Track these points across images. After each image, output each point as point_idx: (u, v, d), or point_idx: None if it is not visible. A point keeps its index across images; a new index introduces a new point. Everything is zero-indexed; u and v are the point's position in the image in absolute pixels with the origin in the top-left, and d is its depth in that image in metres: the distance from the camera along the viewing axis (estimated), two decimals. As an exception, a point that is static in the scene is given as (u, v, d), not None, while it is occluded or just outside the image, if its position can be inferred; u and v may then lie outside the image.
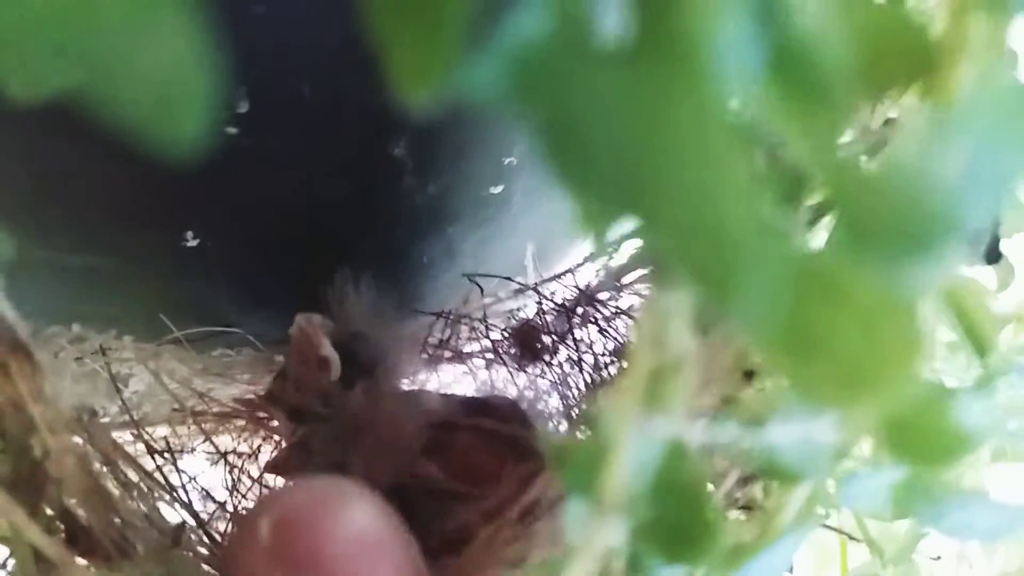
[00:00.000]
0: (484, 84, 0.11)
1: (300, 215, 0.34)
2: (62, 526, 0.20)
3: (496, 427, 0.35)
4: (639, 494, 0.16)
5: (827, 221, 0.23)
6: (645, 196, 0.11)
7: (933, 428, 0.17)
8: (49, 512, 0.21)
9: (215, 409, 0.40)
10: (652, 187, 0.11)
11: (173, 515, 0.27)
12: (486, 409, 0.37)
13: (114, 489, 0.23)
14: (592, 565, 0.17)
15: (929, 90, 0.15)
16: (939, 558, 0.36)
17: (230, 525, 0.35)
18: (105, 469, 0.24)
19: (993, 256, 0.27)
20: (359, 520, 0.19)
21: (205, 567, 0.24)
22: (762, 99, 0.11)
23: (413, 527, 0.31)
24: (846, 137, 0.11)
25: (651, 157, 0.11)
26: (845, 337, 0.12)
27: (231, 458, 0.40)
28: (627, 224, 0.12)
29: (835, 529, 0.31)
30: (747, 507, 0.30)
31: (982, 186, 0.11)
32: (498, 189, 0.38)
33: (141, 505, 0.24)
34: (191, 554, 0.24)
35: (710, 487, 0.26)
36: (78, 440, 0.23)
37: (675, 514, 0.17)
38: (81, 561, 0.20)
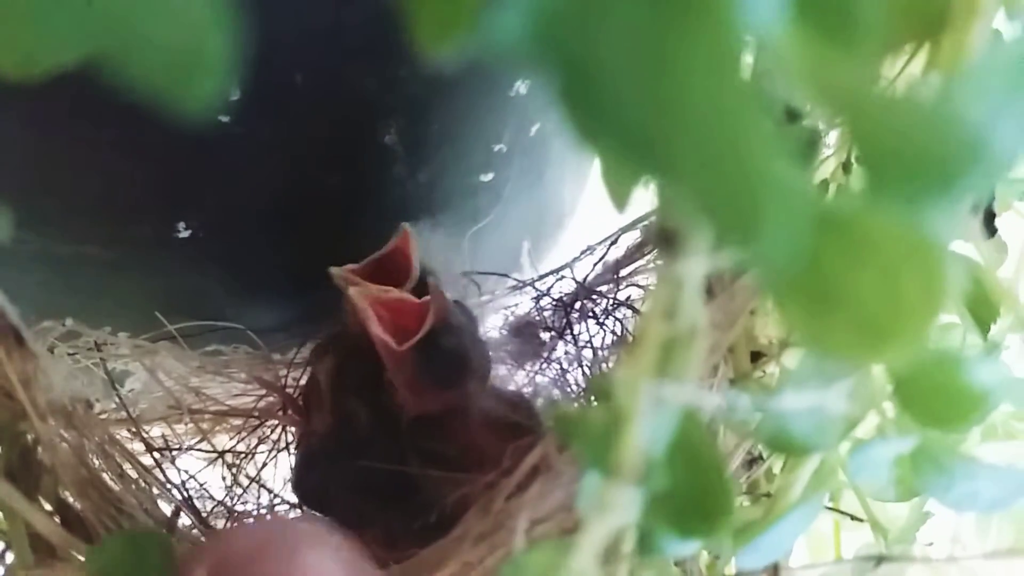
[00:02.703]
0: (506, 34, 0.10)
1: (291, 204, 0.34)
2: (57, 516, 0.20)
3: (505, 413, 0.35)
4: (654, 463, 0.16)
5: (842, 176, 0.23)
6: (665, 145, 0.11)
7: (948, 390, 0.17)
8: (47, 507, 0.21)
9: (212, 407, 0.40)
10: (672, 135, 0.11)
11: (169, 510, 0.26)
12: (495, 395, 0.38)
13: (110, 480, 0.23)
14: (603, 538, 0.17)
15: (939, 50, 0.15)
16: (932, 544, 0.36)
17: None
18: (100, 461, 0.23)
19: (988, 231, 0.27)
20: (310, 567, 0.16)
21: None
22: (787, 40, 0.11)
23: (416, 500, 0.31)
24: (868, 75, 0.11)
25: (671, 105, 0.10)
26: (863, 285, 0.12)
27: (228, 457, 0.40)
28: (649, 176, 0.11)
29: (835, 510, 0.31)
30: (751, 491, 0.30)
31: (996, 144, 0.11)
32: (488, 177, 0.38)
33: (136, 497, 0.24)
34: (188, 543, 0.24)
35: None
36: (73, 431, 0.22)
37: (689, 482, 0.16)
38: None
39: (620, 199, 0.12)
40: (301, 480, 0.37)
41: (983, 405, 0.17)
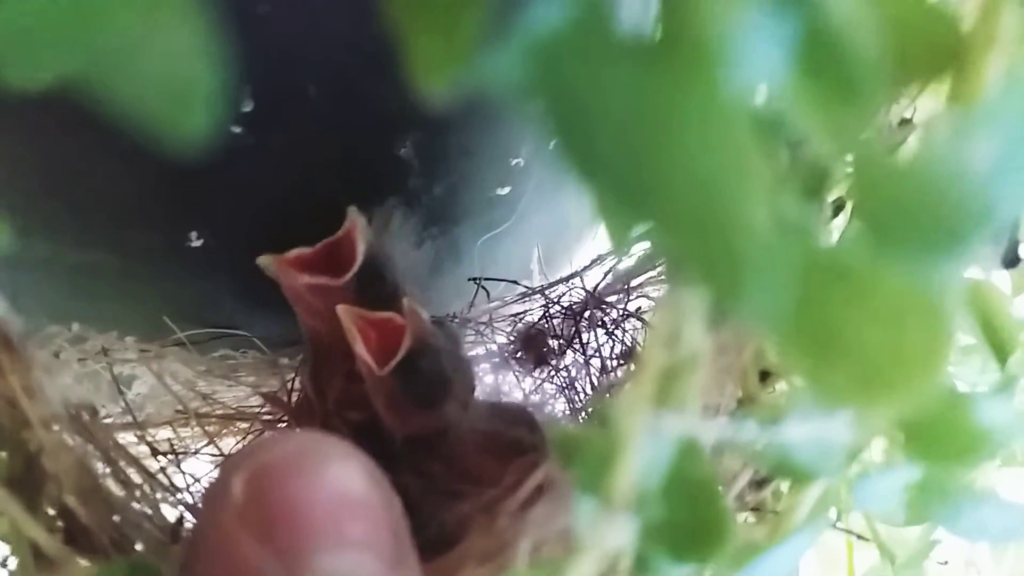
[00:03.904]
0: (502, 75, 0.10)
1: (304, 215, 0.33)
2: (61, 524, 0.20)
3: (502, 430, 0.34)
4: (649, 492, 0.16)
5: (846, 219, 0.23)
6: (656, 191, 0.11)
7: (953, 429, 0.17)
8: (50, 512, 0.21)
9: (218, 411, 0.40)
10: (663, 182, 0.10)
11: (175, 515, 0.26)
12: (493, 411, 0.37)
13: (114, 488, 0.23)
14: (598, 563, 0.17)
15: (956, 84, 0.15)
16: (946, 563, 0.36)
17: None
18: (105, 468, 0.24)
19: (1011, 260, 0.26)
20: (341, 477, 0.17)
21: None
22: (788, 90, 0.11)
23: (411, 525, 0.31)
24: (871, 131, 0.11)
25: (663, 152, 0.10)
26: (866, 335, 0.12)
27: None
28: (642, 224, 0.11)
29: (845, 530, 0.31)
30: (757, 509, 0.30)
31: (1010, 182, 0.11)
32: (505, 191, 0.38)
33: (141, 504, 0.24)
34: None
35: (721, 488, 0.25)
36: (77, 438, 0.22)
37: (685, 513, 0.16)
38: (80, 560, 0.19)
39: (618, 241, 0.11)
40: None
41: (992, 444, 0.17)
